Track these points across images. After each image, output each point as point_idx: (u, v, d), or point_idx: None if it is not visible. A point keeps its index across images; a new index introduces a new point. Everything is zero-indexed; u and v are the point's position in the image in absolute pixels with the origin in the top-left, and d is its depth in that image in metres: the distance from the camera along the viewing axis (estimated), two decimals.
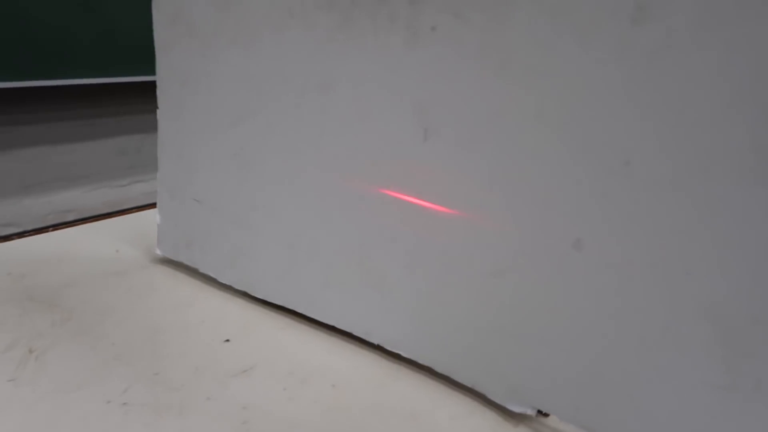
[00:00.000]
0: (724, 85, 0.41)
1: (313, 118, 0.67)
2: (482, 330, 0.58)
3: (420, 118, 0.59)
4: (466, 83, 0.55)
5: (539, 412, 0.55)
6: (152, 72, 0.82)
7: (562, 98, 0.49)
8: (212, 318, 0.73)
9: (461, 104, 0.56)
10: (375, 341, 0.66)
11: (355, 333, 0.68)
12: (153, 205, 1.02)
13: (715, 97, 0.41)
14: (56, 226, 0.98)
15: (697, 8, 0.41)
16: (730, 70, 0.40)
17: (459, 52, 0.55)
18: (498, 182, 0.55)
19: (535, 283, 0.54)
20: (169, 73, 0.81)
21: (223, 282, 0.80)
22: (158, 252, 0.88)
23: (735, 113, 0.41)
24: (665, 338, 0.47)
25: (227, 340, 0.67)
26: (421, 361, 0.63)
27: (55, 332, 0.65)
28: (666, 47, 0.43)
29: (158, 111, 0.83)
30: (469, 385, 0.59)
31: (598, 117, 0.47)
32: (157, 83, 0.82)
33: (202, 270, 0.83)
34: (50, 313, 0.69)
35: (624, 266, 0.48)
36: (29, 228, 1.04)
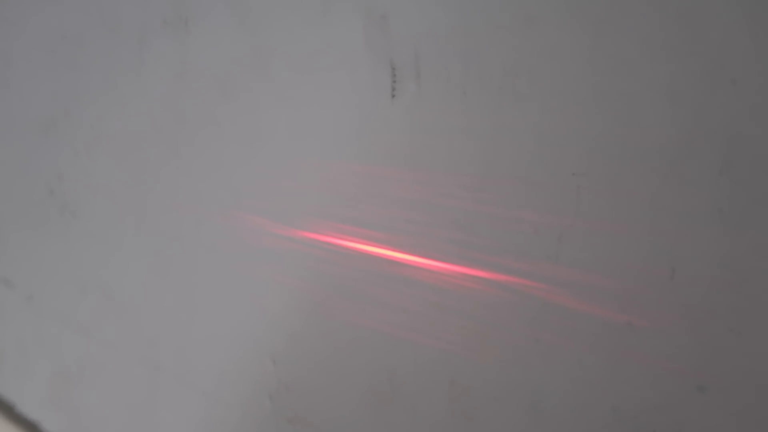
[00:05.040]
0: None
1: (167, 89, 0.32)
2: None
3: (377, 41, 0.24)
4: None
5: None
6: None
7: None
8: None
9: None
10: None
11: None
12: None
13: None
14: None
15: None
16: None
17: None
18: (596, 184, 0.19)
19: None
20: None
21: (48, 431, 0.43)
22: None
23: None
24: None
25: None
26: None
27: None
28: None
29: None
30: None
31: None
32: None
33: (18, 408, 0.45)
34: None
35: None
36: None
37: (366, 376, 0.26)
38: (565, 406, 0.21)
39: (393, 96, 0.24)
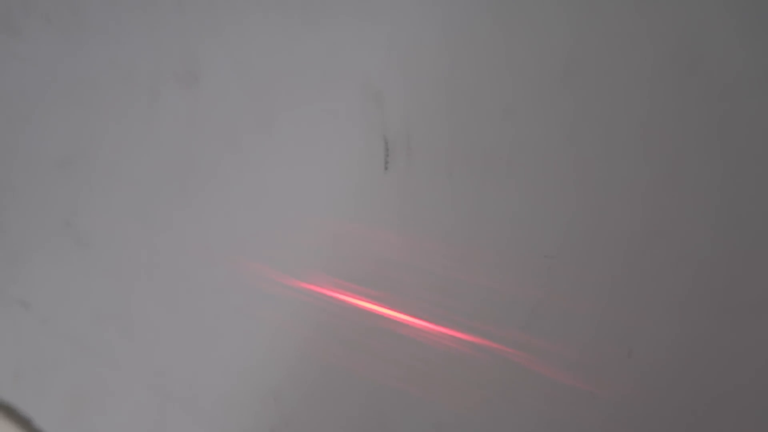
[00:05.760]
0: None
1: (178, 140, 0.34)
2: None
3: (372, 117, 0.26)
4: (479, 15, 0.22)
5: None
6: None
7: None
8: None
9: (468, 68, 0.23)
10: None
11: None
12: None
13: None
14: None
15: None
16: None
17: None
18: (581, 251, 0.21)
19: None
20: None
21: None
22: None
23: None
24: None
25: None
26: None
27: None
28: None
29: None
30: None
31: None
32: None
33: (36, 423, 0.48)
34: None
35: None
36: None
37: (359, 418, 0.29)
38: None
39: (386, 168, 0.26)
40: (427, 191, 0.25)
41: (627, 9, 0.19)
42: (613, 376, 0.21)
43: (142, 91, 0.36)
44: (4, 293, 0.49)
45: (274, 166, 0.30)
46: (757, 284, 0.19)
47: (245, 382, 0.33)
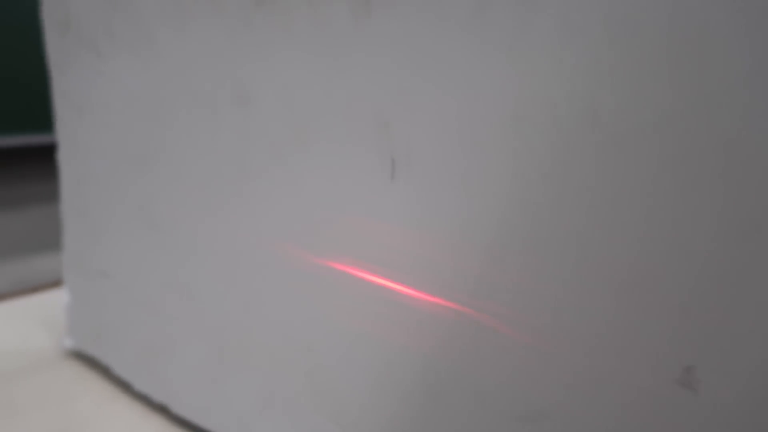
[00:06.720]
0: None
1: (233, 148, 0.43)
2: None
3: (382, 140, 0.35)
4: (456, 73, 0.31)
5: None
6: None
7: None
8: None
9: (452, 109, 0.31)
10: None
11: None
12: None
13: None
14: None
15: None
16: None
17: (442, 16, 0.31)
18: (529, 251, 0.30)
19: None
20: (65, 100, 0.58)
21: (138, 389, 0.56)
22: (68, 343, 0.64)
23: None
24: None
25: None
26: None
27: None
28: None
29: (59, 152, 0.61)
30: None
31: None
32: (56, 114, 0.60)
33: (115, 371, 0.59)
34: None
35: None
36: None
37: (371, 364, 0.38)
38: (492, 399, 0.33)
39: (392, 178, 0.35)
40: (423, 196, 0.34)
41: (542, 79, 0.28)
42: (547, 331, 0.30)
43: (204, 108, 0.45)
44: (89, 265, 0.60)
45: (308, 174, 0.39)
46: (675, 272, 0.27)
47: (286, 338, 0.43)
